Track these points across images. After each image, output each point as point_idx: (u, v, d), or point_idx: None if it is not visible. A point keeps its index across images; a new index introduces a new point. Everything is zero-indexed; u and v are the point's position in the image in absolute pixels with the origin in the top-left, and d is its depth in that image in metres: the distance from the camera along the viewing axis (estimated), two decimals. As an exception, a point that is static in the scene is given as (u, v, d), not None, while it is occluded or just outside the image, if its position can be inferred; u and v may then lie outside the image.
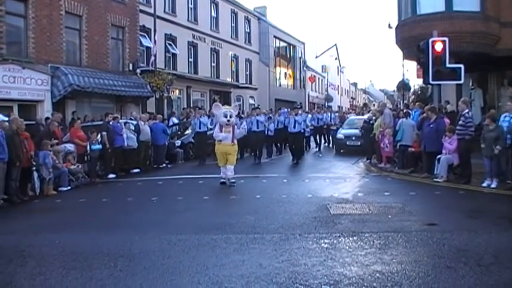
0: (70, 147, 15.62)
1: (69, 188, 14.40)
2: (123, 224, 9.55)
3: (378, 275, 5.97)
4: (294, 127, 20.40)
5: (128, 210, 11.16)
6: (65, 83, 20.17)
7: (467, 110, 13.45)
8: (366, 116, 23.05)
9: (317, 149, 25.88)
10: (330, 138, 27.79)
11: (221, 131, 13.81)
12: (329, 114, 29.58)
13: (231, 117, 13.90)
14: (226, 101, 34.77)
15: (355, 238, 7.81)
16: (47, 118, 17.46)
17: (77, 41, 22.54)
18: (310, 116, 26.99)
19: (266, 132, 21.80)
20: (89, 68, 22.34)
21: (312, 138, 26.89)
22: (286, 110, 27.25)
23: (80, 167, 15.61)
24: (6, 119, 13.11)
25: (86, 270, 6.52)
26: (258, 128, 20.94)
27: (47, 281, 6.12)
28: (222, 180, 13.98)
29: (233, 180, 13.71)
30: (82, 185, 15.08)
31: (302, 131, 21.20)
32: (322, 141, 27.71)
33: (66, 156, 15.23)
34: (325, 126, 27.73)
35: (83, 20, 22.55)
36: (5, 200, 12.10)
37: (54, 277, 6.27)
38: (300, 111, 21.70)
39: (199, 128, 20.91)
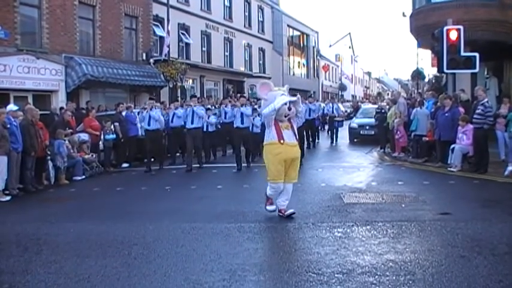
0: (84, 136, 15.70)
1: (83, 177, 14.51)
2: (137, 213, 9.60)
3: (391, 264, 5.97)
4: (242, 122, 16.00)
5: (142, 199, 11.22)
6: (79, 73, 20.25)
7: (486, 99, 13.32)
8: (376, 106, 22.93)
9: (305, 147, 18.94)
10: (333, 132, 23.90)
11: (275, 127, 8.49)
12: (331, 105, 25.43)
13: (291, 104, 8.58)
14: (239, 91, 34.77)
15: (368, 227, 7.80)
16: (61, 108, 17.58)
17: (91, 31, 22.60)
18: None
19: (251, 128, 16.03)
20: (103, 58, 22.40)
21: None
22: None
23: (94, 156, 15.70)
24: (15, 108, 13.18)
25: (100, 258, 6.58)
26: (242, 123, 15.68)
27: (62, 269, 6.19)
28: (274, 208, 8.74)
29: (291, 211, 8.64)
30: (96, 174, 15.18)
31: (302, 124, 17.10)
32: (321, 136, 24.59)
33: (81, 146, 15.33)
34: (319, 118, 23.96)
35: (96, 10, 22.59)
36: (20, 189, 12.20)
37: (69, 265, 6.33)
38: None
39: (148, 125, 15.81)
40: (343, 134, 24.30)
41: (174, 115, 17.47)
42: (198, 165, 15.68)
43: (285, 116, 8.49)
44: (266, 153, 8.68)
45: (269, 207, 8.76)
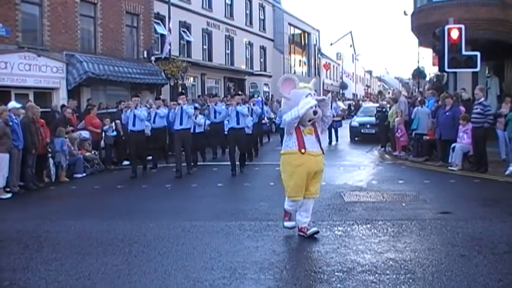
0: (85, 134, 15.72)
1: (84, 174, 14.52)
2: (138, 211, 9.62)
3: (391, 262, 5.97)
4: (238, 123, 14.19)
5: (143, 197, 11.24)
6: (80, 71, 20.25)
7: (483, 99, 13.34)
8: (377, 104, 22.89)
9: None
10: (331, 131, 22.19)
11: (296, 132, 7.10)
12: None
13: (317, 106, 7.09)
14: (240, 89, 34.76)
15: (368, 226, 7.81)
16: (63, 105, 17.58)
17: (92, 28, 22.57)
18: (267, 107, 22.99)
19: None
20: (104, 56, 22.38)
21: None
22: (260, 98, 24.05)
23: (96, 154, 15.72)
24: (19, 105, 13.21)
25: (101, 255, 6.60)
26: (238, 123, 13.99)
27: (63, 266, 6.20)
28: (293, 224, 7.51)
29: (315, 229, 7.32)
30: (97, 172, 15.19)
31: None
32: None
33: (82, 143, 15.34)
34: None
35: (97, 7, 22.57)
36: (21, 186, 12.21)
37: (70, 262, 6.34)
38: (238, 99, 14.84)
39: (133, 126, 14.31)
40: (344, 132, 24.13)
41: (156, 115, 15.77)
42: (186, 172, 14.02)
43: (309, 121, 7.09)
44: (284, 164, 7.28)
45: (287, 224, 7.51)
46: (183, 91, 22.85)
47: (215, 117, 17.37)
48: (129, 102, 15.82)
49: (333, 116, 21.55)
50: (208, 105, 18.99)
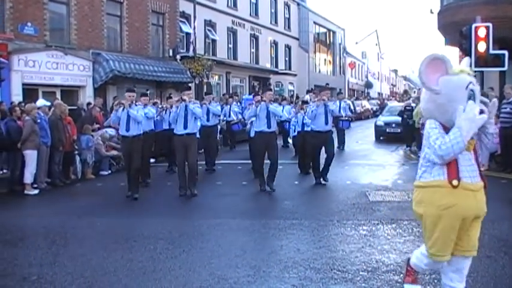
0: (111, 131, 15.83)
1: (109, 172, 14.65)
2: (163, 208, 9.70)
3: (416, 262, 5.93)
4: (326, 123, 11.79)
5: (167, 194, 11.28)
6: (106, 69, 20.47)
7: (512, 98, 13.18)
8: (403, 104, 22.70)
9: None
10: (339, 134, 19.36)
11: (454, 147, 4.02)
12: (338, 103, 17.43)
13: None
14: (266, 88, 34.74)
15: (393, 225, 7.77)
16: (89, 103, 17.77)
17: (118, 27, 22.79)
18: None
19: (250, 132, 12.80)
20: (130, 54, 22.58)
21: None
22: (249, 96, 21.11)
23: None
24: (48, 103, 13.41)
25: (126, 252, 6.67)
26: (269, 126, 11.17)
27: (89, 262, 6.28)
28: None
29: None
30: (122, 170, 15.28)
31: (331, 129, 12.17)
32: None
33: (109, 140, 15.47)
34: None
35: (123, 6, 22.78)
36: (48, 183, 12.38)
37: (96, 258, 6.42)
38: (327, 94, 12.30)
39: (127, 130, 10.89)
40: (367, 132, 23.90)
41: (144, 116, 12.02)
42: (189, 193, 10.80)
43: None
44: (425, 203, 4.40)
45: (408, 286, 4.91)
46: (190, 86, 19.44)
47: (208, 120, 14.38)
48: (155, 100, 15.20)
49: (341, 116, 17.76)
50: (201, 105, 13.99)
